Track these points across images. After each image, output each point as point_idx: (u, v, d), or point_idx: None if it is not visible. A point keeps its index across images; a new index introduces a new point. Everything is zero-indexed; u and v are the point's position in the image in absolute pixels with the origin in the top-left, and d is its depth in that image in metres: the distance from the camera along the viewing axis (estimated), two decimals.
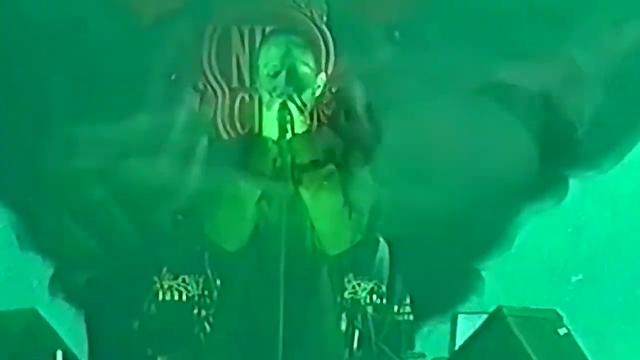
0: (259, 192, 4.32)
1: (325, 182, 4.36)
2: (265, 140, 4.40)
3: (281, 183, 4.28)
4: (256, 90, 4.67)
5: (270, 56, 4.52)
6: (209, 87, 7.52)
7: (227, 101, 7.40)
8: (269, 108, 4.38)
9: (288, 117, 4.34)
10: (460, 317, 7.16)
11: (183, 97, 7.64)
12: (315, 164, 4.38)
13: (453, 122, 7.61)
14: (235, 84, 7.47)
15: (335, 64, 7.64)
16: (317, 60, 4.76)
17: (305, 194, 4.32)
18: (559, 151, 7.37)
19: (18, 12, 7.55)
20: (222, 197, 4.39)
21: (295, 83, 4.45)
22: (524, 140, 7.52)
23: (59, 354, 6.25)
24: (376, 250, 5.71)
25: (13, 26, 7.53)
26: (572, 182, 7.37)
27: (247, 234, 4.38)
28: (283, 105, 4.34)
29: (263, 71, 4.49)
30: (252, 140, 4.47)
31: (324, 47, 7.62)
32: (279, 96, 4.36)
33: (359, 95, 7.71)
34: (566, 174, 7.35)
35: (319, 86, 4.63)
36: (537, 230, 7.39)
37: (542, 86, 7.58)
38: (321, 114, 7.46)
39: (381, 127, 7.72)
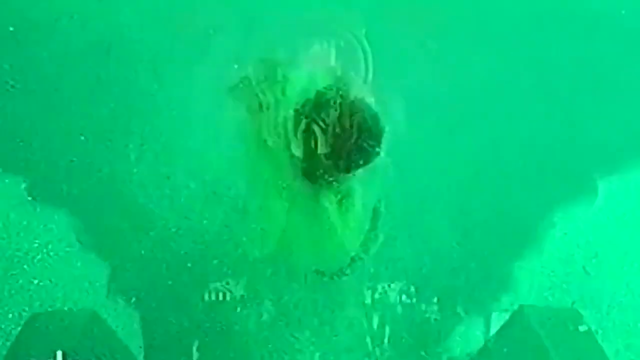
0: (287, 205, 4.43)
1: (346, 197, 4.45)
2: (293, 158, 4.49)
3: (306, 195, 4.40)
4: (286, 109, 4.76)
5: (297, 83, 4.63)
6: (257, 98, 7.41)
7: (272, 112, 7.56)
8: (296, 128, 4.48)
9: (312, 138, 4.45)
10: (493, 314, 7.14)
11: (229, 105, 7.48)
12: (337, 179, 4.47)
13: (486, 128, 7.61)
14: (280, 96, 7.61)
15: (373, 75, 7.54)
16: (338, 83, 4.82)
17: (329, 204, 4.43)
18: (590, 154, 7.35)
19: (81, 34, 7.57)
20: (253, 207, 4.51)
21: (319, 103, 4.55)
22: (555, 145, 7.50)
23: (59, 354, 6.40)
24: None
25: (75, 47, 7.56)
26: (602, 185, 7.30)
27: (274, 240, 4.51)
28: (307, 127, 4.46)
29: (291, 94, 4.60)
30: (282, 157, 4.56)
31: (363, 59, 7.56)
32: (305, 117, 4.47)
33: (395, 105, 7.67)
34: (596, 177, 7.29)
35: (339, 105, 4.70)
36: (569, 232, 7.35)
37: (572, 91, 7.53)
38: (358, 123, 8.02)
39: (417, 134, 7.79)
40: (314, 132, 4.60)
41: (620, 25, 7.53)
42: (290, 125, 4.68)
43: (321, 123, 4.63)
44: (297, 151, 4.56)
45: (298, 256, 4.57)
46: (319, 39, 7.76)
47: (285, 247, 4.66)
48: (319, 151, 4.55)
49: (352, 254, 4.74)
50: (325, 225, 4.61)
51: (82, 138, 7.72)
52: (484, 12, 7.73)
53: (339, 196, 4.54)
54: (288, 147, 4.64)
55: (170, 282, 7.43)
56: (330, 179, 4.57)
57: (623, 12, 7.56)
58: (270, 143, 4.97)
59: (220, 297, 6.87)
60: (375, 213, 4.70)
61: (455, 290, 7.19)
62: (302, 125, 4.59)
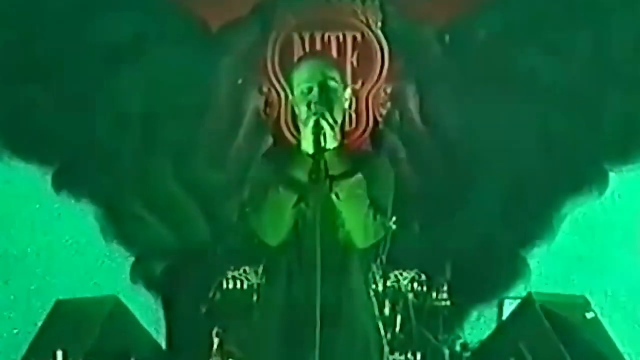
0: (295, 197, 4.50)
1: (354, 190, 4.50)
2: (303, 154, 4.54)
3: (316, 190, 4.44)
4: (296, 106, 4.81)
5: (302, 77, 4.64)
6: (272, 90, 7.62)
7: (290, 103, 7.58)
8: (305, 124, 4.51)
9: (322, 133, 4.50)
10: (506, 302, 7.20)
11: (249, 99, 7.76)
12: (345, 174, 4.53)
13: (500, 119, 7.64)
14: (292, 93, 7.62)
15: (389, 67, 7.73)
16: (342, 76, 4.84)
17: (337, 199, 4.47)
18: (601, 146, 7.35)
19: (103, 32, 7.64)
20: (266, 199, 4.57)
21: (326, 98, 4.56)
22: (567, 136, 7.53)
23: (59, 354, 6.40)
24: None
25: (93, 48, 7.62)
26: (613, 176, 7.32)
27: (285, 231, 4.56)
28: (316, 123, 4.50)
29: (298, 90, 4.62)
30: (293, 152, 4.61)
31: (379, 50, 7.74)
32: (313, 114, 4.52)
33: (412, 95, 7.80)
34: (607, 168, 7.31)
35: (346, 99, 4.73)
36: (580, 221, 7.36)
37: (585, 84, 7.57)
38: (376, 114, 7.80)
39: (433, 124, 7.86)
40: (322, 128, 4.64)
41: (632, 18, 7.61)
42: (304, 122, 4.74)
43: (329, 119, 4.67)
44: (309, 148, 4.60)
45: (309, 246, 4.64)
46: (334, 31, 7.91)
47: (297, 238, 4.74)
48: (327, 146, 4.58)
49: (361, 245, 4.80)
50: (335, 218, 4.67)
51: (107, 130, 7.81)
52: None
53: (347, 189, 4.60)
54: (300, 143, 4.69)
55: (190, 271, 7.54)
56: (338, 173, 4.63)
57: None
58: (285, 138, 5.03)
59: (238, 285, 7.02)
60: (382, 205, 4.76)
61: (466, 279, 7.25)
62: (311, 122, 4.61)
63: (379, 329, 4.89)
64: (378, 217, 4.52)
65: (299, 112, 4.60)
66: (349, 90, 4.65)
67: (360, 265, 4.67)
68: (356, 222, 4.52)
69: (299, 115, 4.62)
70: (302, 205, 4.49)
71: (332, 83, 4.55)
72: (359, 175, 4.46)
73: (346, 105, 4.62)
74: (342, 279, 4.60)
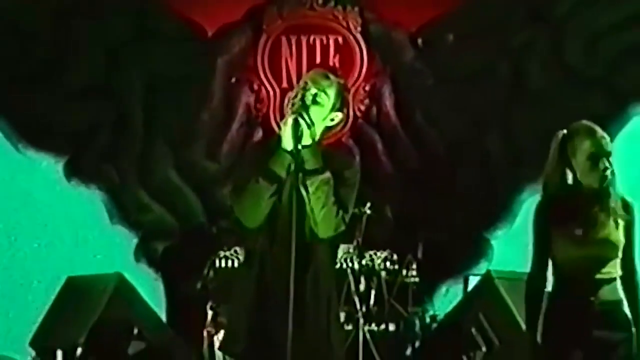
0: (273, 188, 4.59)
1: (322, 185, 4.59)
2: (282, 148, 4.78)
3: (291, 181, 4.65)
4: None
5: (303, 80, 4.63)
6: (263, 88, 7.78)
7: (278, 99, 7.56)
8: (285, 122, 4.56)
9: (300, 132, 4.71)
10: (471, 278, 7.31)
11: (241, 96, 7.90)
12: (316, 171, 4.57)
13: (466, 114, 7.81)
14: (284, 84, 7.66)
15: (369, 67, 7.89)
16: (338, 97, 4.96)
17: (306, 192, 4.66)
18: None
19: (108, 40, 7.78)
20: (247, 188, 4.77)
21: (311, 104, 4.60)
22: (526, 130, 7.66)
23: (59, 353, 6.62)
24: None
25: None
26: None
27: (262, 217, 4.63)
28: (295, 120, 4.53)
29: (297, 89, 4.65)
30: (274, 146, 4.80)
31: (358, 52, 7.90)
32: (293, 112, 4.53)
33: (388, 93, 7.96)
34: None
35: (332, 120, 4.86)
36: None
37: (543, 81, 7.72)
38: (356, 109, 7.98)
39: (407, 118, 8.00)
40: (300, 126, 4.85)
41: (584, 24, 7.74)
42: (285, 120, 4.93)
43: (307, 119, 4.87)
44: (287, 144, 4.83)
45: (281, 232, 4.83)
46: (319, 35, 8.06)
47: (271, 224, 4.92)
48: (302, 144, 4.80)
49: (322, 235, 4.97)
50: (306, 208, 4.86)
51: (112, 123, 7.93)
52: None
53: (316, 184, 4.80)
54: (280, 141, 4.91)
55: (188, 251, 7.67)
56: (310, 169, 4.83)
57: None
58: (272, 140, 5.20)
59: (230, 264, 7.16)
60: (345, 202, 4.93)
61: (436, 258, 7.35)
62: (291, 119, 4.83)
63: (348, 300, 5.12)
64: (340, 212, 4.61)
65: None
66: (340, 115, 4.75)
67: (327, 250, 4.76)
68: (320, 214, 4.63)
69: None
70: (279, 194, 4.54)
71: (321, 94, 4.58)
72: (328, 174, 4.56)
73: (331, 123, 4.78)
74: (307, 262, 4.67)
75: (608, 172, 4.92)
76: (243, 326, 4.74)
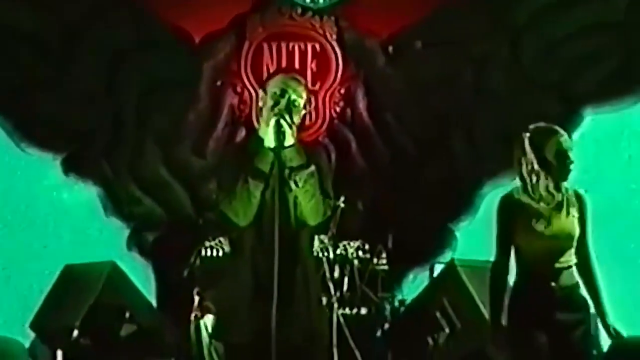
0: (262, 186, 4.75)
1: (309, 178, 4.78)
2: (266, 147, 4.79)
3: (276, 179, 4.74)
4: (260, 110, 5.02)
5: (277, 84, 4.92)
6: (246, 90, 7.92)
7: (260, 101, 7.81)
8: (267, 124, 4.79)
9: (282, 131, 4.73)
10: (436, 266, 7.39)
11: (226, 98, 8.02)
12: (302, 167, 4.79)
13: (432, 116, 7.98)
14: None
15: (344, 72, 8.04)
16: (306, 93, 5.03)
17: (295, 187, 4.75)
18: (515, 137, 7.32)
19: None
20: (236, 188, 4.79)
21: (289, 106, 4.84)
22: (487, 130, 7.87)
23: (59, 353, 6.81)
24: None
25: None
26: None
27: (253, 213, 4.81)
28: (277, 122, 4.73)
29: (270, 93, 4.89)
30: (257, 146, 4.85)
31: (334, 58, 8.04)
32: (275, 115, 4.76)
33: (361, 96, 8.08)
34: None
35: (302, 110, 4.93)
36: (496, 199, 7.25)
37: (503, 86, 7.91)
38: (332, 111, 8.12)
39: (379, 120, 8.10)
40: (282, 126, 4.83)
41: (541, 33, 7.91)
42: (265, 122, 4.89)
43: (289, 120, 4.86)
44: (271, 143, 4.82)
45: (268, 225, 4.79)
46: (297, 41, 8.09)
47: (259, 219, 4.85)
48: (285, 144, 4.81)
49: (313, 222, 4.93)
50: (290, 202, 4.86)
51: (107, 123, 7.95)
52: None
53: (304, 178, 4.81)
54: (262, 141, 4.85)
55: (176, 241, 7.66)
56: (296, 165, 4.84)
57: None
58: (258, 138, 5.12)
59: (214, 253, 7.22)
60: (327, 190, 4.92)
61: (404, 248, 7.40)
62: (273, 121, 4.83)
63: (324, 286, 5.28)
64: (326, 200, 4.84)
65: (265, 111, 4.90)
66: (307, 106, 4.88)
67: (309, 238, 4.97)
68: (310, 204, 4.82)
69: (262, 114, 4.93)
70: (266, 192, 4.75)
71: (298, 98, 4.88)
72: (313, 167, 4.78)
73: (302, 113, 4.86)
74: (295, 250, 4.87)
75: (572, 167, 5.19)
76: (237, 315, 4.90)
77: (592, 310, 5.33)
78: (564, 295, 5.24)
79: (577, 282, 5.27)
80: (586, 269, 5.29)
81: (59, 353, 6.85)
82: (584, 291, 5.31)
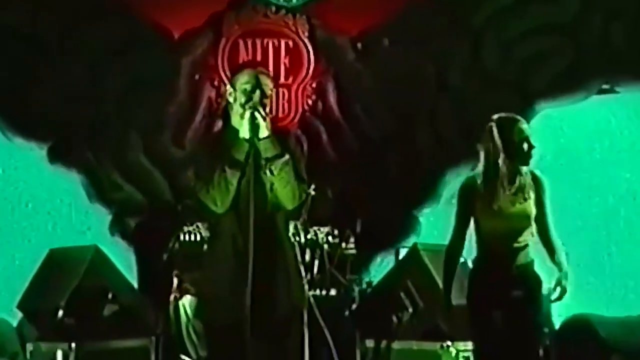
0: (238, 174, 4.78)
1: (284, 166, 4.83)
2: (242, 138, 4.81)
3: (252, 168, 4.79)
4: (229, 104, 5.00)
5: (247, 78, 4.92)
6: (222, 84, 7.90)
7: (229, 97, 7.36)
8: (242, 116, 4.81)
9: (256, 123, 4.77)
10: (402, 250, 7.51)
11: (204, 91, 8.17)
12: (277, 156, 4.83)
13: (398, 109, 8.11)
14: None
15: (315, 67, 8.20)
16: (272, 83, 5.04)
17: (271, 174, 4.80)
18: (474, 129, 6.84)
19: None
20: (214, 179, 4.83)
21: (261, 99, 4.87)
22: (449, 122, 8.06)
23: (59, 353, 6.84)
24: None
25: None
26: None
27: (230, 200, 4.85)
28: (252, 114, 4.76)
29: (240, 88, 4.90)
30: (232, 137, 4.87)
31: (306, 54, 8.19)
32: (250, 108, 4.79)
33: (331, 89, 8.23)
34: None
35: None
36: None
37: (462, 81, 8.07)
38: (304, 103, 8.25)
39: (348, 112, 8.23)
40: (257, 118, 4.86)
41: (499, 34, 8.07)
42: (240, 115, 4.91)
43: (262, 113, 4.88)
44: (245, 134, 4.85)
45: (245, 211, 4.82)
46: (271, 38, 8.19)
47: (236, 205, 4.87)
48: (260, 135, 4.85)
49: (290, 206, 4.97)
50: (266, 188, 4.89)
51: (91, 114, 8.03)
52: None
53: (279, 166, 4.85)
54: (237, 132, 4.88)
55: (156, 226, 7.80)
56: (272, 155, 4.87)
57: None
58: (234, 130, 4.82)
59: (192, 238, 7.31)
60: (301, 176, 4.96)
61: (372, 233, 7.59)
62: (248, 114, 4.86)
63: (298, 267, 5.18)
64: (301, 185, 4.90)
65: (235, 105, 4.92)
66: (273, 95, 5.00)
67: (284, 222, 5.05)
68: (286, 190, 4.88)
69: (234, 107, 4.94)
70: (242, 181, 4.79)
71: (267, 89, 4.93)
72: (287, 156, 4.85)
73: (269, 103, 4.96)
74: (272, 232, 4.94)
75: (532, 152, 5.46)
76: (217, 296, 4.93)
77: (545, 288, 5.56)
78: (519, 273, 5.48)
79: (532, 260, 5.52)
80: (547, 241, 5.53)
81: (59, 353, 6.84)
82: (536, 269, 5.53)
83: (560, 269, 5.46)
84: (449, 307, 5.63)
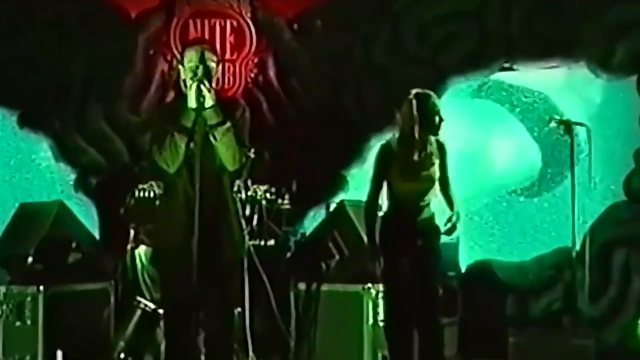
0: (186, 140, 4.98)
1: (226, 133, 5.02)
2: (189, 108, 5.02)
3: (199, 133, 5.00)
4: (182, 81, 5.18)
5: (192, 55, 5.14)
6: (174, 59, 8.19)
7: (182, 74, 6.92)
8: (190, 88, 5.02)
9: (202, 94, 4.98)
10: (331, 205, 7.85)
11: (158, 65, 8.42)
12: (220, 123, 5.02)
13: (328, 81, 8.37)
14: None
15: (257, 45, 8.44)
16: (217, 58, 5.25)
17: (214, 140, 5.01)
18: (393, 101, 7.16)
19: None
20: (165, 143, 5.03)
21: (206, 72, 5.08)
22: (373, 97, 8.27)
23: (59, 354, 6.86)
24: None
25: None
26: None
27: (179, 163, 5.05)
28: (198, 87, 4.99)
29: (188, 64, 5.12)
30: (182, 106, 5.08)
31: (248, 33, 8.41)
32: (195, 81, 5.00)
33: (271, 64, 8.50)
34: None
35: (215, 72, 5.19)
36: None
37: (384, 59, 8.24)
38: (247, 76, 8.46)
39: (286, 84, 8.47)
40: (202, 90, 5.01)
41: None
42: (188, 87, 5.08)
43: (207, 85, 5.02)
44: (193, 104, 5.00)
45: (195, 171, 4.98)
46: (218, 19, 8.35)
47: (187, 166, 5.04)
48: (205, 105, 4.99)
49: (231, 168, 5.10)
50: (212, 152, 5.03)
51: (57, 85, 8.25)
52: None
53: (222, 132, 4.99)
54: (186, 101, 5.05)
55: (115, 184, 7.98)
56: (215, 123, 5.01)
57: None
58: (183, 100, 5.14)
59: (147, 194, 7.39)
60: (242, 141, 5.11)
61: (305, 190, 7.74)
62: (194, 86, 5.01)
63: (240, 220, 5.40)
64: (242, 149, 5.12)
65: (185, 78, 5.14)
66: (219, 67, 5.32)
67: (229, 182, 5.28)
68: (228, 154, 5.07)
69: (183, 79, 5.15)
70: (191, 144, 5.01)
71: (211, 64, 5.15)
72: (229, 123, 5.05)
73: (216, 77, 5.22)
74: (218, 190, 5.17)
75: (442, 124, 5.86)
76: (170, 246, 5.12)
77: (443, 239, 6.01)
78: (422, 226, 5.93)
79: (433, 214, 5.94)
80: (446, 194, 5.97)
81: (59, 353, 6.84)
82: (437, 221, 5.96)
83: (452, 210, 5.93)
84: (375, 253, 6.04)
